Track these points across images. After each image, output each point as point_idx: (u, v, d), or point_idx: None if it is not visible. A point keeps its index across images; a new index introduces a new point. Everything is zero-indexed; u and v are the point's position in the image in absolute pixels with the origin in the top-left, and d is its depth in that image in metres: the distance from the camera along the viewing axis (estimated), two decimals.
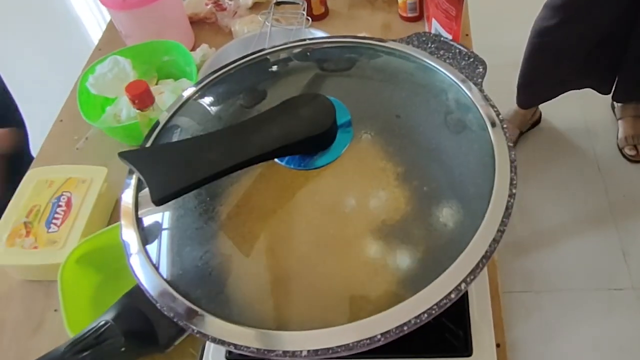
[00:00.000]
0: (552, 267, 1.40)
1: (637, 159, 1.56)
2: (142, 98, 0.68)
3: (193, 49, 1.01)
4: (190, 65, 0.89)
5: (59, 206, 0.75)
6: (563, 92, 1.57)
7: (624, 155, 1.58)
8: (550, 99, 1.57)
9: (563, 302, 1.34)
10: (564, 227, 1.47)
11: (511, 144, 0.45)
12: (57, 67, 2.06)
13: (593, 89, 1.57)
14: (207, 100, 0.54)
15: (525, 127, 1.66)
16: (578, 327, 1.30)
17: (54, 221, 0.73)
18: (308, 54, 0.57)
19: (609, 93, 1.57)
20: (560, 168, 1.59)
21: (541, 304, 1.34)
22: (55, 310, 0.71)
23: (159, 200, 0.35)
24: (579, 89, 1.57)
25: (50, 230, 0.72)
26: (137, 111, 0.70)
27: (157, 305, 0.40)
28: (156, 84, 0.93)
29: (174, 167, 0.37)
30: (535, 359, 1.27)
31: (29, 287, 0.74)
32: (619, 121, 1.62)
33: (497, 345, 0.53)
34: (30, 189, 0.77)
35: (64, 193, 0.76)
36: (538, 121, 1.68)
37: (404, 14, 1.01)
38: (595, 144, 1.63)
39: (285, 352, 0.36)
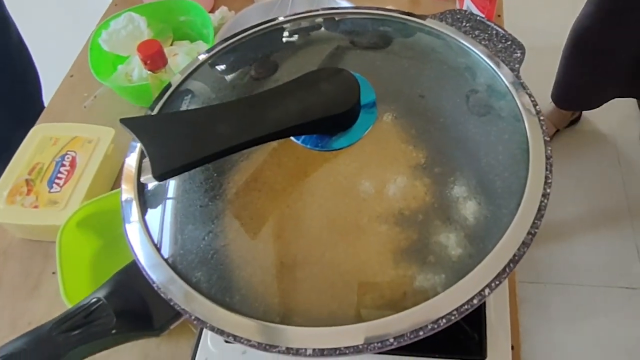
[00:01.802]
0: (563, 259, 1.37)
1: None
2: (154, 59, 0.65)
3: (212, 11, 0.96)
4: (207, 27, 0.85)
5: (63, 165, 0.72)
6: (605, 101, 1.46)
7: None
8: (590, 108, 1.48)
9: (571, 296, 1.31)
10: (578, 219, 1.43)
11: (548, 139, 0.42)
12: (73, 19, 2.02)
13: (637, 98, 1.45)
14: (221, 67, 0.51)
15: (563, 125, 1.56)
16: (584, 324, 1.27)
17: (56, 181, 0.71)
18: (332, 24, 0.53)
19: None
20: (580, 159, 1.54)
21: (549, 297, 1.31)
22: (53, 273, 0.68)
23: (161, 176, 0.32)
24: (623, 97, 1.46)
25: (52, 190, 0.70)
26: (149, 72, 0.67)
27: (154, 285, 0.37)
28: (171, 44, 0.89)
29: (180, 140, 0.34)
30: (538, 353, 1.25)
31: (28, 247, 0.72)
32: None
33: (511, 348, 0.50)
34: (34, 145, 0.75)
35: (68, 152, 0.73)
36: (577, 119, 1.59)
37: None
38: (617, 138, 1.58)
39: (288, 349, 0.34)
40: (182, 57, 0.82)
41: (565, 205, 1.45)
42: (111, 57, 0.87)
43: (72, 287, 0.60)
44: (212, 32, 0.83)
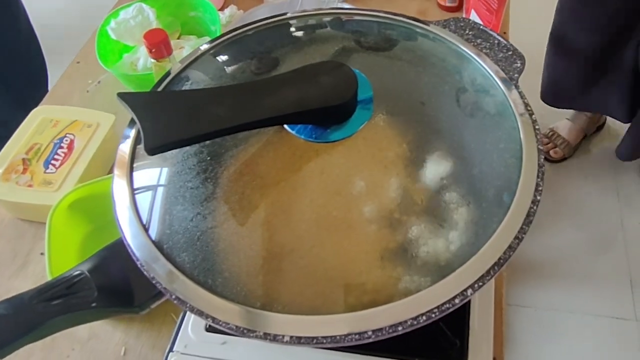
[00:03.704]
0: (554, 284, 1.36)
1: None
2: (159, 47, 0.65)
3: (221, 9, 0.97)
4: (215, 24, 0.86)
5: (61, 147, 0.72)
6: (586, 107, 1.44)
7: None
8: (581, 108, 1.46)
9: (561, 323, 1.30)
10: (573, 245, 1.43)
11: (541, 147, 0.42)
12: (84, 7, 2.03)
13: (612, 116, 1.43)
14: (223, 58, 0.51)
15: (591, 130, 1.54)
16: (572, 352, 1.26)
17: (52, 162, 0.71)
18: (337, 24, 0.53)
19: (626, 119, 1.41)
20: (579, 185, 1.53)
21: (538, 322, 1.30)
22: (42, 254, 0.68)
23: (152, 149, 0.32)
24: (601, 113, 1.45)
25: (47, 171, 0.70)
26: (153, 61, 0.67)
27: (138, 263, 0.37)
28: (178, 38, 0.90)
29: (175, 116, 0.34)
30: None
31: (18, 226, 0.72)
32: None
33: (493, 359, 0.49)
34: (34, 126, 0.75)
35: (67, 135, 0.74)
36: (603, 124, 1.57)
37: (443, 3, 0.96)
38: (617, 169, 1.57)
39: (266, 335, 0.33)
40: (187, 51, 0.83)
41: (561, 230, 1.44)
42: (118, 46, 0.87)
43: (59, 269, 0.59)
44: (220, 29, 0.84)
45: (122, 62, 0.84)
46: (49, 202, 0.65)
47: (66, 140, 0.73)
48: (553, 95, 1.44)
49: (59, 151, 0.72)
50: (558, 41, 1.31)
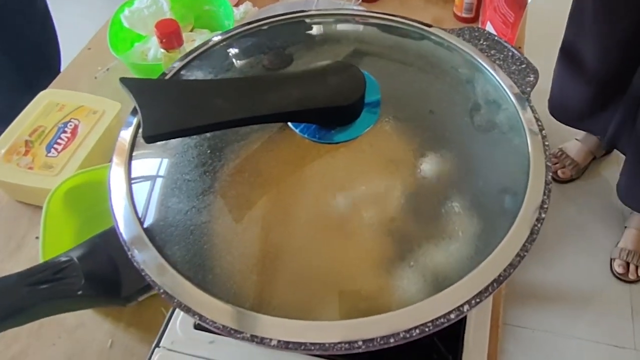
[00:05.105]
0: (554, 307, 1.34)
1: (625, 278, 1.35)
2: (170, 38, 0.65)
3: (236, 5, 0.97)
4: (229, 19, 0.85)
5: (64, 132, 0.71)
6: (591, 130, 1.41)
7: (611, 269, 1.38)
8: (588, 129, 1.43)
9: (558, 347, 1.28)
10: (575, 268, 1.41)
11: (550, 164, 0.41)
12: None
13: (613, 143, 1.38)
14: (233, 51, 0.50)
15: (600, 153, 1.51)
16: None
17: (55, 146, 0.70)
18: (351, 25, 0.52)
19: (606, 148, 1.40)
20: (585, 208, 1.51)
21: (535, 344, 1.29)
22: (37, 238, 0.67)
23: (150, 137, 0.31)
24: (603, 137, 1.39)
25: (49, 154, 0.69)
26: (163, 51, 0.66)
27: (129, 253, 0.36)
28: (191, 31, 0.89)
29: (176, 105, 0.33)
30: None
31: (16, 209, 0.71)
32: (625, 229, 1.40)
33: None
34: (40, 109, 0.74)
35: (72, 120, 0.73)
36: (612, 149, 1.51)
37: (459, 13, 0.95)
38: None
39: (253, 337, 0.32)
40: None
41: (565, 252, 1.43)
42: (130, 35, 0.87)
43: (53, 254, 0.58)
44: (233, 25, 0.83)
45: (132, 51, 0.84)
46: (48, 186, 0.64)
47: (70, 125, 0.72)
48: (561, 111, 1.41)
49: (63, 135, 0.71)
50: (568, 57, 1.28)
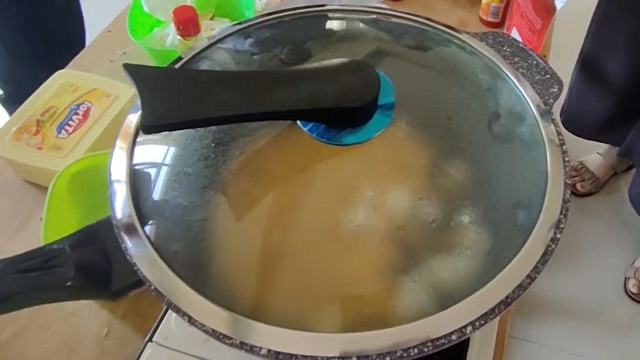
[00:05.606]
0: (563, 323, 1.31)
1: (638, 298, 1.30)
2: (187, 25, 0.63)
3: None
4: (250, 9, 0.84)
5: (76, 114, 0.71)
6: (607, 140, 1.37)
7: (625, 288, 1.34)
8: (603, 139, 1.38)
9: None
10: (588, 284, 1.37)
11: (569, 181, 0.38)
12: None
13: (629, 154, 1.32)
14: (250, 42, 0.48)
15: (621, 169, 1.47)
16: None
17: (66, 127, 0.69)
18: (373, 23, 0.50)
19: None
20: (602, 223, 1.48)
21: (541, 359, 1.26)
22: (41, 219, 0.67)
23: (147, 128, 0.30)
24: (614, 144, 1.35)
25: (59, 136, 0.68)
26: (180, 38, 0.65)
27: (122, 245, 0.35)
28: (211, 19, 0.88)
29: (179, 97, 0.32)
30: None
31: (23, 188, 0.71)
32: None
33: None
34: (53, 89, 0.74)
35: (85, 102, 0.72)
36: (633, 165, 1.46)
37: (485, 17, 0.93)
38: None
39: (242, 344, 0.31)
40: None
41: (577, 268, 1.39)
42: (150, 21, 0.86)
43: (54, 236, 0.57)
44: (254, 15, 0.81)
45: (151, 36, 0.82)
46: (56, 167, 0.63)
47: (83, 107, 0.71)
48: (577, 124, 1.36)
49: (74, 117, 0.70)
50: (589, 71, 1.23)
